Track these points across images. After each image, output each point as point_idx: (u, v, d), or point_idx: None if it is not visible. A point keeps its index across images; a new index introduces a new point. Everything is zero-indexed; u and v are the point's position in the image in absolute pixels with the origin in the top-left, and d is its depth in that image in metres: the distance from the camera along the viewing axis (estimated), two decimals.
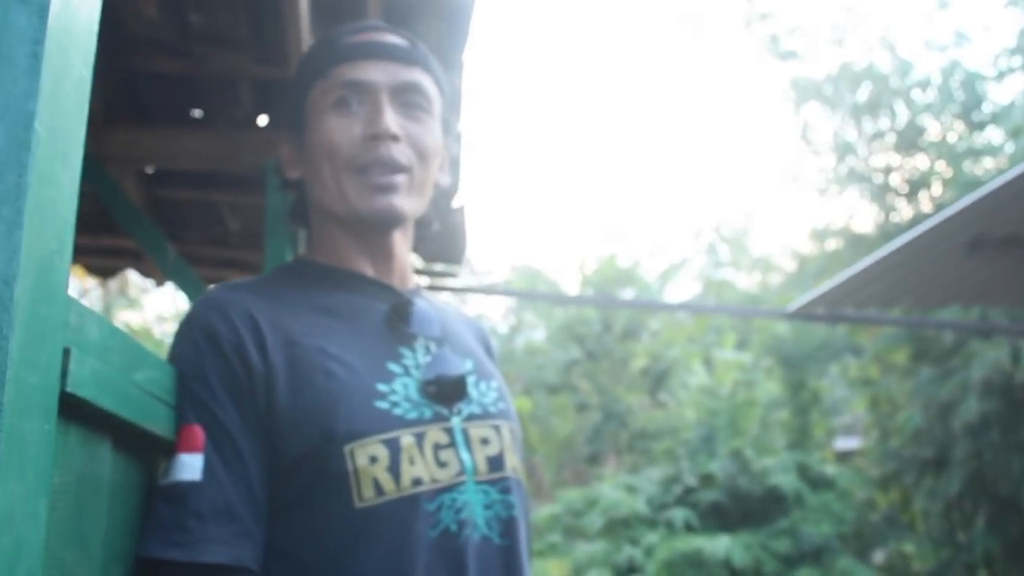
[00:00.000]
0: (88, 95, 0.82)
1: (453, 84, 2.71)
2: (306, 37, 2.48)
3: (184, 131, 3.01)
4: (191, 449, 1.16)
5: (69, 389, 0.80)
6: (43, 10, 0.72)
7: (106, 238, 3.68)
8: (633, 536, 11.14)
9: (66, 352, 0.80)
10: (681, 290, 21.54)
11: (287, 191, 1.49)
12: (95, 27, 0.83)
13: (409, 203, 1.37)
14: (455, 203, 3.20)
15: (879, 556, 11.28)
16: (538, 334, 18.42)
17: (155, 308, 18.19)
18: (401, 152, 1.34)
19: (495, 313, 20.63)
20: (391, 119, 1.34)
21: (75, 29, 0.78)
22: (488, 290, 11.37)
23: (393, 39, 1.41)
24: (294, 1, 2.40)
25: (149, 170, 3.39)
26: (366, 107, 1.35)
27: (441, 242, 3.35)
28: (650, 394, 15.68)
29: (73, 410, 0.85)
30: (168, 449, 1.17)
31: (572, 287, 18.03)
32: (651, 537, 10.85)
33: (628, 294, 16.56)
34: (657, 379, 15.60)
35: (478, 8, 2.52)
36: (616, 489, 11.76)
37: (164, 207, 3.53)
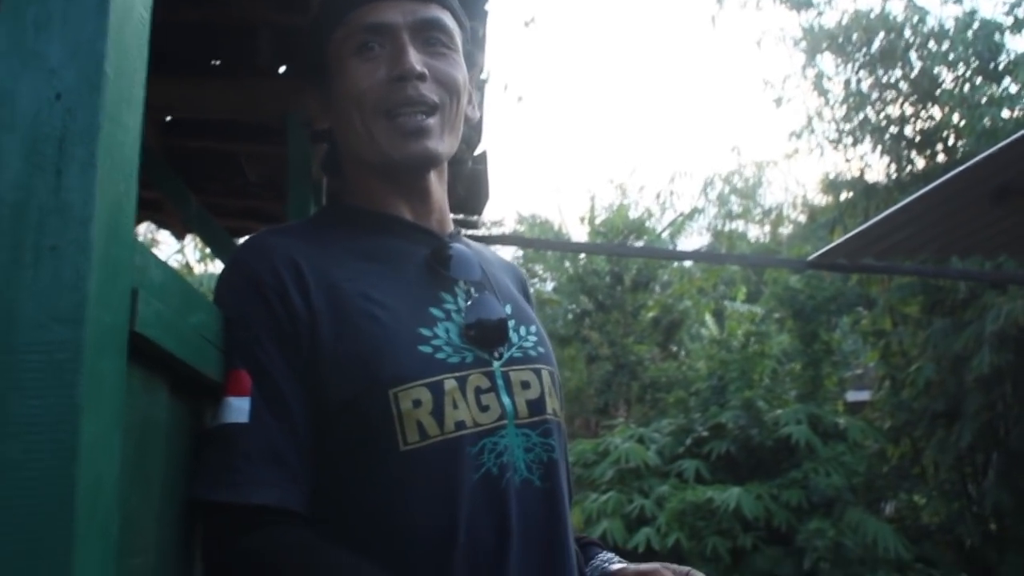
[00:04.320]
0: (148, 37, 0.80)
1: (477, 32, 2.67)
2: None
3: (204, 80, 2.97)
4: (238, 393, 1.16)
5: (137, 329, 0.79)
6: None
7: None
8: (644, 487, 11.19)
9: (134, 293, 0.79)
10: (691, 242, 21.52)
11: (317, 142, 1.48)
12: None
13: (443, 144, 1.35)
14: (476, 150, 3.17)
15: (889, 508, 11.33)
16: (548, 286, 18.43)
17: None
18: (429, 89, 1.32)
19: (504, 255, 20.61)
20: (415, 57, 1.32)
21: None
22: (507, 240, 11.28)
23: None
24: None
25: (167, 119, 3.36)
26: (388, 49, 1.33)
27: (462, 191, 3.32)
28: (661, 346, 15.70)
29: (138, 351, 0.84)
30: (216, 392, 1.16)
31: (581, 237, 18.00)
32: (662, 488, 10.90)
33: (638, 245, 16.51)
34: (668, 331, 15.60)
35: None
36: (627, 440, 11.80)
37: (183, 157, 3.51)
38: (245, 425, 1.14)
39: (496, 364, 1.29)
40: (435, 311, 1.29)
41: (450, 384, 1.22)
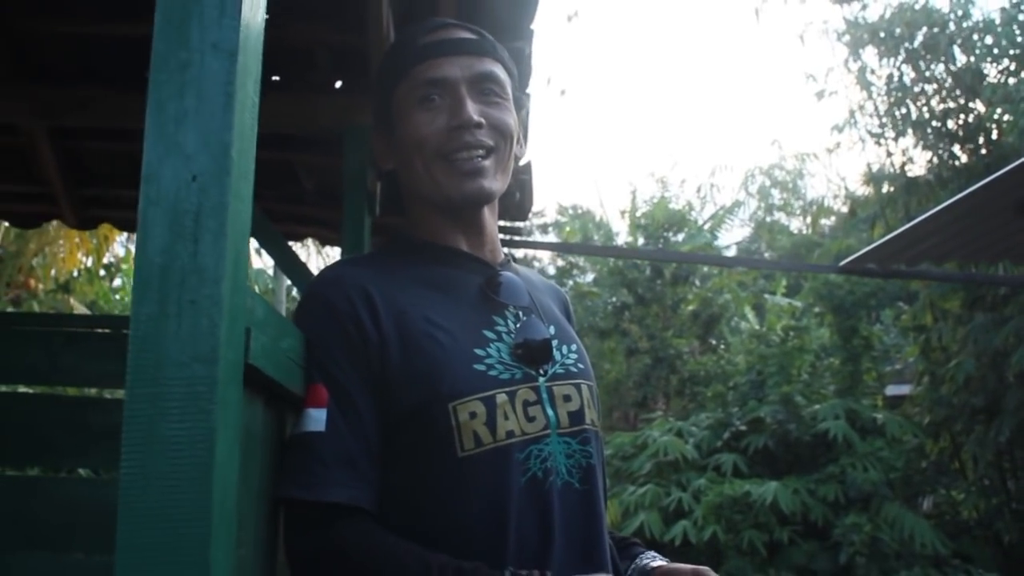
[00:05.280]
0: (257, 117, 0.97)
1: (523, 51, 2.81)
2: (385, 6, 2.59)
3: (264, 96, 3.13)
4: (317, 404, 1.34)
5: (250, 361, 0.96)
6: (232, 55, 0.87)
7: None
8: (682, 480, 11.30)
9: (247, 331, 0.96)
10: (732, 235, 21.52)
11: (382, 179, 1.66)
12: (260, 59, 0.97)
13: (496, 183, 1.53)
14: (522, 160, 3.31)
15: (927, 503, 11.36)
16: (588, 277, 18.54)
17: None
18: (485, 135, 1.50)
19: (545, 256, 20.77)
20: (472, 108, 1.49)
21: (250, 65, 0.93)
22: (552, 247, 11.46)
23: (463, 34, 1.57)
24: None
25: None
26: (448, 100, 1.50)
27: (508, 199, 3.48)
28: (700, 339, 15.76)
29: (249, 378, 1.01)
30: (297, 404, 1.33)
31: (622, 229, 18.08)
32: (700, 481, 11.00)
33: (679, 238, 16.56)
34: (707, 324, 15.65)
35: None
36: (665, 433, 11.91)
37: None
38: (322, 433, 1.32)
39: (541, 380, 1.46)
40: (488, 333, 1.46)
41: (501, 398, 1.40)
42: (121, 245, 11.69)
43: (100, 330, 3.22)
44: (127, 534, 0.81)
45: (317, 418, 1.33)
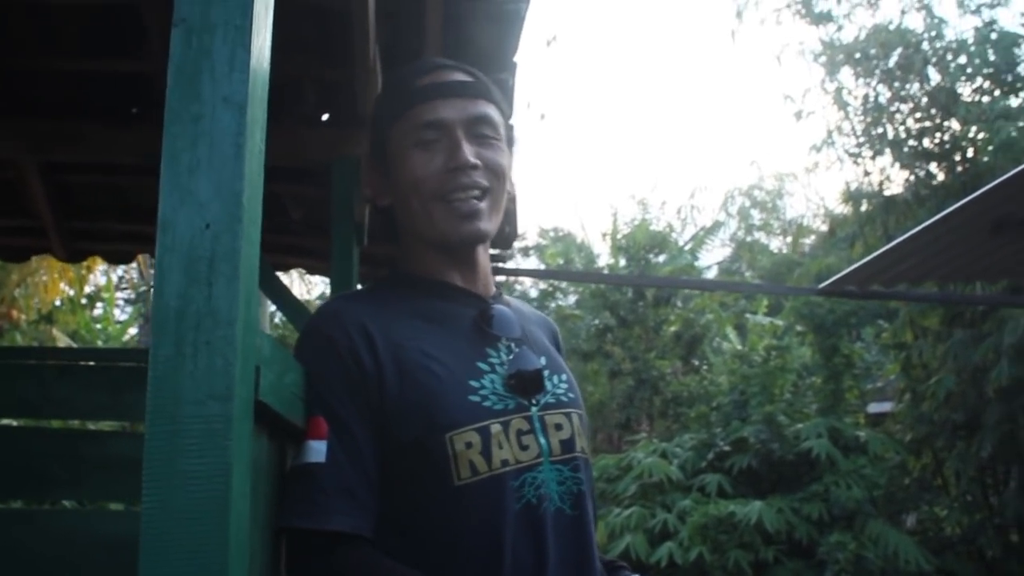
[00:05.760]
0: (263, 162, 1.02)
1: (507, 83, 2.87)
2: (372, 41, 2.65)
3: None
4: (317, 436, 1.38)
5: (260, 398, 1.00)
6: (242, 108, 0.92)
7: None
8: (667, 501, 11.32)
9: (257, 369, 1.00)
10: (713, 255, 21.65)
11: (377, 216, 1.71)
12: (266, 108, 1.02)
13: (491, 224, 1.58)
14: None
15: (911, 520, 11.42)
16: (570, 299, 18.59)
17: None
18: (481, 176, 1.55)
19: (526, 279, 20.81)
20: (468, 151, 1.54)
21: (258, 116, 0.98)
22: (531, 273, 11.54)
23: (459, 76, 1.61)
24: (361, 5, 2.57)
25: None
26: (444, 142, 1.55)
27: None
28: (683, 360, 15.82)
29: (258, 414, 1.05)
30: (298, 436, 1.38)
31: (603, 251, 18.15)
32: (684, 502, 11.03)
33: (660, 259, 16.65)
34: (690, 345, 15.72)
35: (530, 13, 2.67)
36: (650, 455, 11.93)
37: None
38: (323, 464, 1.37)
39: (534, 409, 1.51)
40: (482, 365, 1.51)
41: (496, 428, 1.44)
42: (103, 274, 11.69)
43: (85, 363, 3.25)
44: (149, 566, 0.85)
45: (318, 449, 1.37)
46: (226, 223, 0.89)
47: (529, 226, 22.99)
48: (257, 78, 0.99)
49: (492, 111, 1.61)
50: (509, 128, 1.68)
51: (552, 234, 20.49)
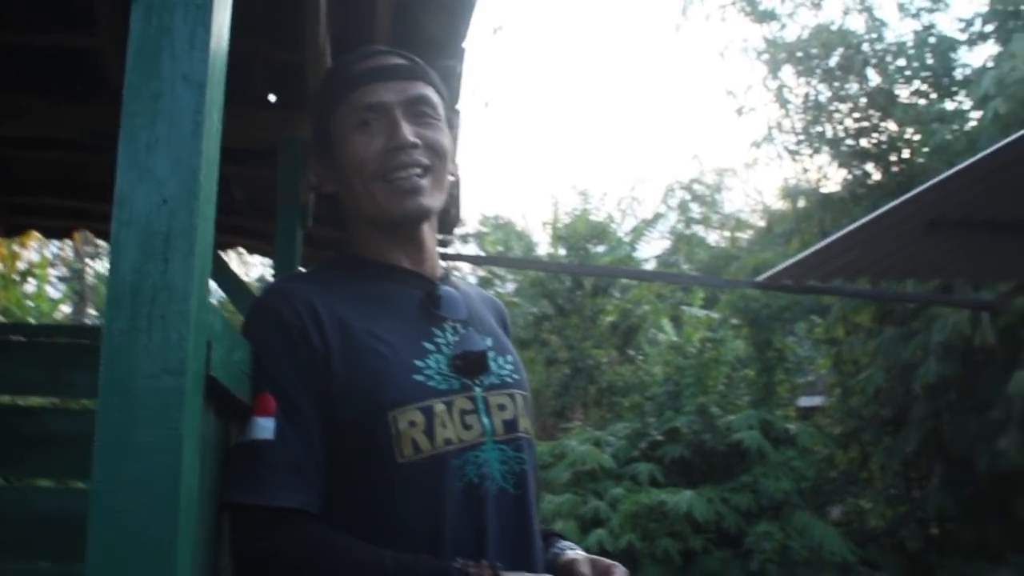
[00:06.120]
0: (220, 141, 1.03)
1: (454, 70, 2.89)
2: (323, 25, 2.65)
3: None
4: (265, 413, 1.39)
5: (211, 373, 1.02)
6: (201, 86, 0.93)
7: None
8: (599, 489, 11.43)
9: (208, 344, 1.01)
10: (652, 247, 21.80)
11: (323, 202, 1.72)
12: (223, 87, 1.04)
13: (434, 200, 1.60)
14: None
15: (836, 512, 11.66)
16: (508, 287, 18.63)
17: None
18: (421, 154, 1.57)
19: (465, 265, 20.80)
20: (407, 130, 1.56)
21: (216, 95, 0.99)
22: (470, 259, 11.55)
23: (397, 60, 1.64)
24: None
25: None
26: (383, 123, 1.57)
27: (440, 213, 3.54)
28: (619, 350, 15.95)
29: (208, 389, 1.07)
30: (243, 412, 1.39)
31: (543, 240, 18.22)
32: (616, 490, 11.15)
33: (600, 249, 16.74)
34: (626, 335, 15.86)
35: (479, 1, 2.69)
36: (583, 443, 12.05)
37: None
38: (270, 441, 1.38)
39: (478, 390, 1.54)
40: (428, 344, 1.53)
41: (439, 407, 1.47)
42: (36, 251, 11.48)
43: (15, 337, 3.21)
44: (99, 535, 0.87)
45: (265, 426, 1.38)
46: (183, 199, 0.90)
47: (470, 213, 22.99)
48: (216, 57, 1.00)
49: (430, 92, 1.63)
50: (452, 111, 1.70)
51: (493, 222, 20.50)
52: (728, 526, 10.48)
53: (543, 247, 18.06)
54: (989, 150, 5.13)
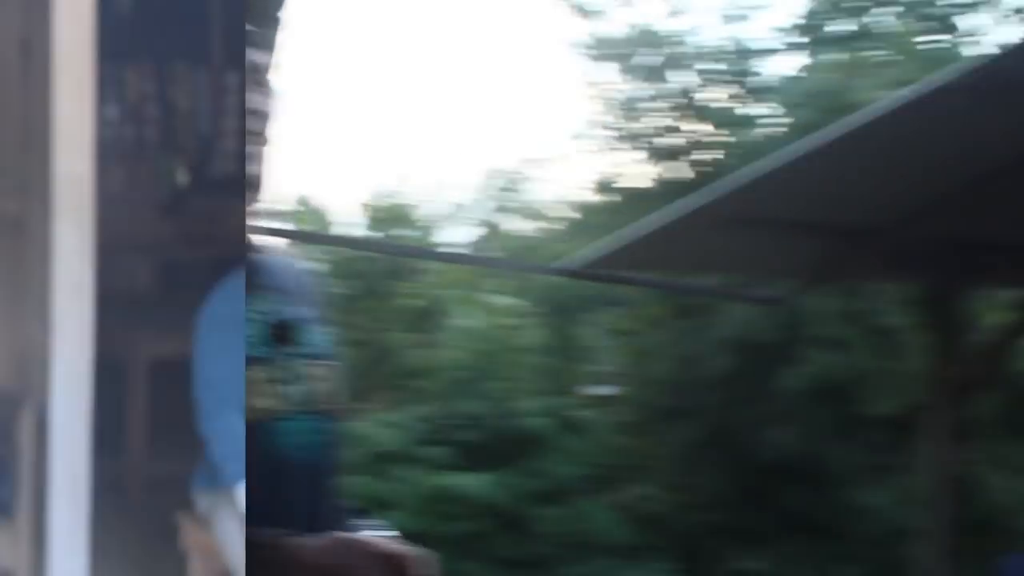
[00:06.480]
0: None
1: (272, 39, 2.73)
2: None
3: None
4: None
5: None
6: None
7: None
8: (393, 472, 11.33)
9: None
10: (462, 233, 21.76)
11: None
12: None
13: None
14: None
15: (622, 497, 11.92)
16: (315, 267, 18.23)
17: None
18: None
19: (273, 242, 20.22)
20: None
21: None
22: (292, 236, 11.24)
23: None
24: None
25: None
26: None
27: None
28: (418, 333, 15.84)
29: None
30: None
31: (354, 221, 17.94)
32: (410, 473, 11.08)
33: (409, 233, 16.60)
34: (424, 318, 15.77)
35: None
36: (378, 425, 11.92)
37: None
38: None
39: (292, 359, 1.54)
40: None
41: (252, 376, 1.46)
42: None
43: None
44: None
45: None
46: None
47: (284, 193, 22.51)
48: None
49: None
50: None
51: (306, 203, 20.05)
52: (517, 510, 10.55)
53: (353, 229, 17.78)
54: (782, 152, 5.31)
